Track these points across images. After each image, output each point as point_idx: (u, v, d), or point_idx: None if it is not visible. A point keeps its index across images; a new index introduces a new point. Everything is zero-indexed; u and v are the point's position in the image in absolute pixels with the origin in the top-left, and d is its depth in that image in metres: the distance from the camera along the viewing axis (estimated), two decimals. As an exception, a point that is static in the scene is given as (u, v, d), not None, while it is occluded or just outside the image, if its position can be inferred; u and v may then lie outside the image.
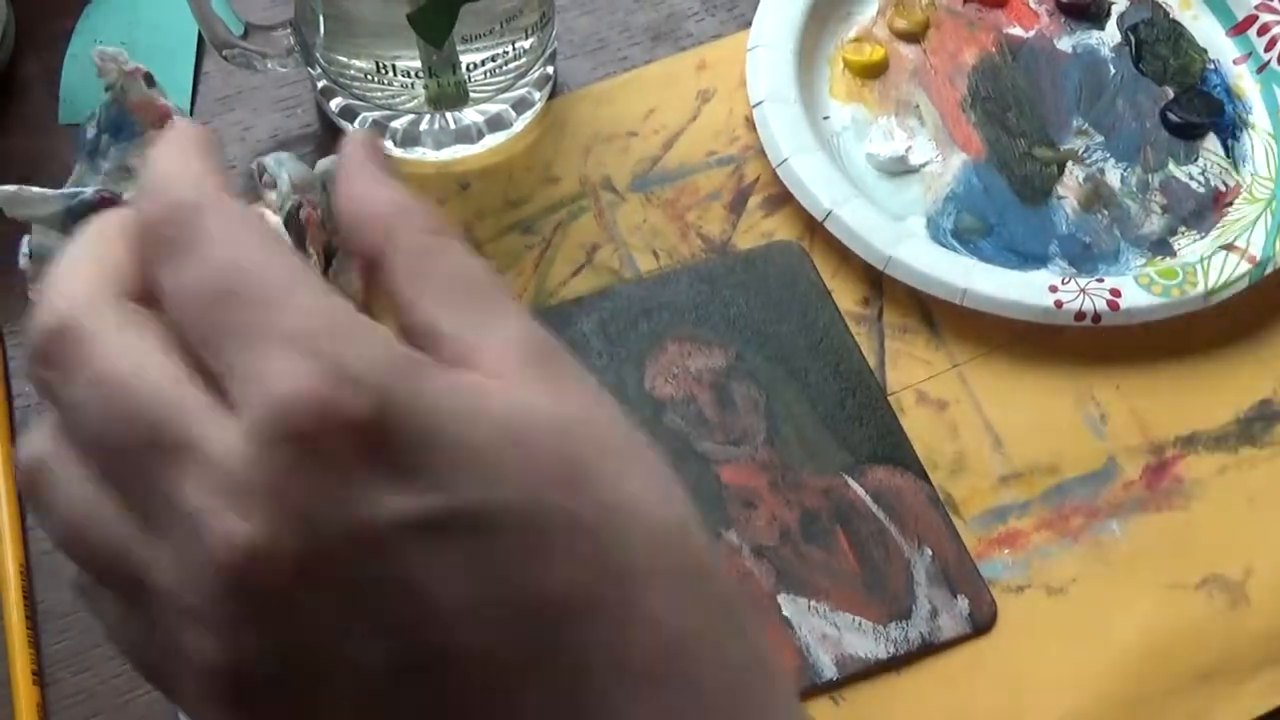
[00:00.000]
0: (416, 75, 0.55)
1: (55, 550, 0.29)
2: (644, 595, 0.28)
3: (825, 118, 0.60)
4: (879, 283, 0.56)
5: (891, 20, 0.63)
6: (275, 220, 0.52)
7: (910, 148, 0.59)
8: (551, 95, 0.60)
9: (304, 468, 0.25)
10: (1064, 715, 0.47)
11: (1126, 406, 0.54)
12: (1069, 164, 0.59)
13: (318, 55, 0.56)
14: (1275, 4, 0.62)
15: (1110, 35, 0.63)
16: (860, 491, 0.51)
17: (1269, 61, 0.61)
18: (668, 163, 0.59)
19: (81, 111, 0.55)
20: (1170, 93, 0.61)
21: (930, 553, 0.50)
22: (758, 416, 0.53)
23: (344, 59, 0.56)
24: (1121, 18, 0.63)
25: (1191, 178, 0.59)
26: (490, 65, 0.56)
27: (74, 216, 0.49)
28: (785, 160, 0.57)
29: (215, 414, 0.25)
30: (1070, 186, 0.59)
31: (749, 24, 0.62)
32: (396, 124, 0.58)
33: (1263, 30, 0.62)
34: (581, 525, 0.27)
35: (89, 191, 0.49)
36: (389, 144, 0.58)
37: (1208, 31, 0.63)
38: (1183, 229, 0.58)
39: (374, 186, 0.31)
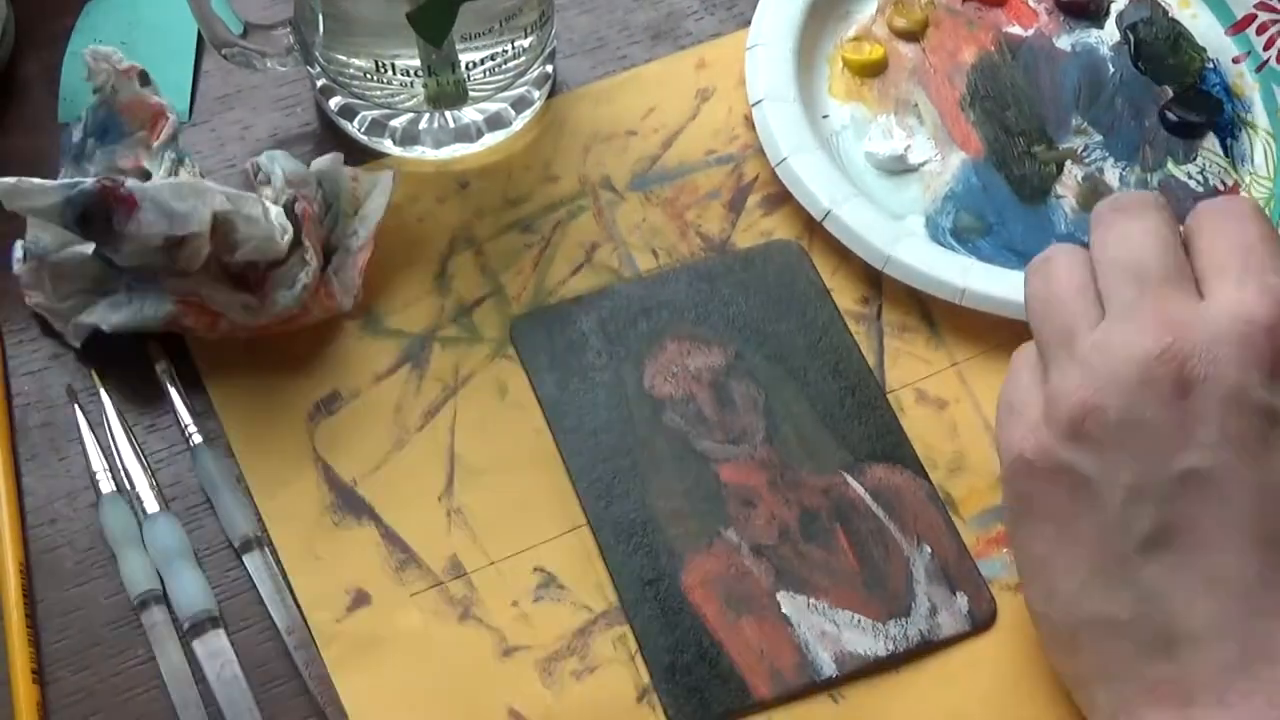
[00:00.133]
0: (416, 74, 0.55)
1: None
2: None
3: (824, 116, 0.60)
4: (878, 281, 0.56)
5: (891, 19, 0.63)
6: (276, 210, 0.52)
7: (909, 146, 0.59)
8: (551, 94, 0.60)
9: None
10: (1063, 713, 0.47)
11: (1126, 405, 0.54)
12: (1068, 163, 0.59)
13: (317, 54, 0.56)
14: (1274, 3, 0.62)
15: (1109, 34, 0.63)
16: (860, 490, 0.51)
17: (1268, 60, 0.61)
18: (667, 161, 0.59)
19: (81, 111, 0.55)
20: (1169, 91, 0.61)
21: (930, 551, 0.50)
22: (757, 415, 0.53)
23: (343, 58, 0.56)
24: (1120, 16, 0.63)
25: (1190, 177, 0.59)
26: (489, 64, 0.56)
27: (73, 207, 0.49)
28: (784, 159, 0.57)
29: (1187, 289, 0.43)
30: (1069, 185, 0.59)
31: (748, 23, 0.62)
32: (396, 123, 0.58)
33: (1261, 29, 0.62)
34: None
35: (89, 181, 0.49)
36: (388, 142, 0.58)
37: (1207, 30, 0.63)
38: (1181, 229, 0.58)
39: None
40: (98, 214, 0.49)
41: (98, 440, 0.52)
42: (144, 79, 0.54)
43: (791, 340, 0.55)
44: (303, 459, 0.52)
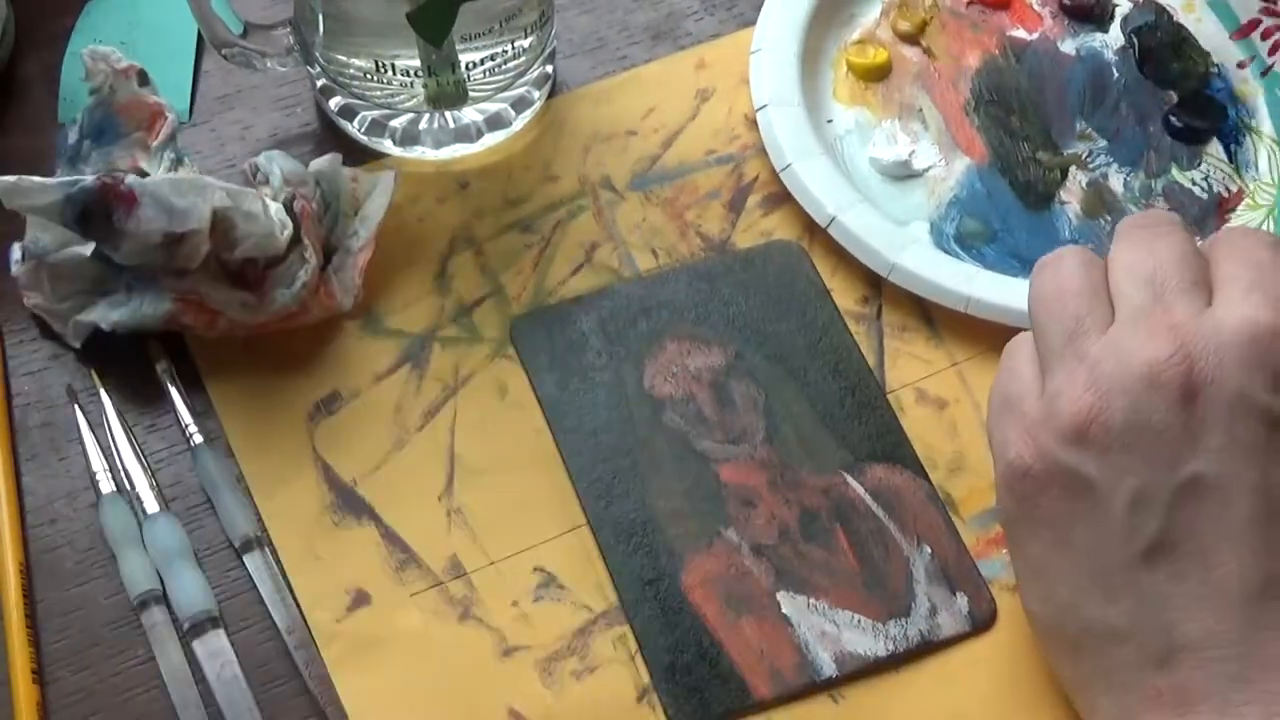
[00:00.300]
0: (416, 74, 0.55)
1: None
2: None
3: (829, 121, 0.60)
4: (878, 282, 0.56)
5: (894, 22, 0.62)
6: (276, 206, 0.52)
7: (914, 152, 0.59)
8: (551, 94, 0.60)
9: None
10: (1063, 714, 0.47)
11: (1126, 405, 0.54)
12: (1072, 169, 0.59)
13: (317, 54, 0.56)
14: (1279, 7, 0.62)
15: (1114, 38, 0.63)
16: (860, 490, 0.51)
17: (1272, 65, 0.61)
18: (667, 161, 0.59)
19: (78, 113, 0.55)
20: (1174, 97, 0.61)
21: (930, 551, 0.50)
22: (757, 415, 0.53)
23: (343, 58, 0.56)
24: (1125, 20, 0.63)
25: (1194, 183, 0.59)
26: (489, 64, 0.56)
27: (74, 204, 0.49)
28: (789, 165, 0.57)
29: (1201, 300, 0.43)
30: (1073, 192, 0.59)
31: (749, 23, 0.62)
32: (396, 123, 0.58)
33: (1266, 34, 0.62)
34: None
35: (89, 178, 0.49)
36: (388, 143, 0.58)
37: (1211, 35, 0.63)
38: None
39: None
40: (98, 211, 0.49)
41: (98, 440, 0.52)
42: (143, 79, 0.54)
43: (791, 340, 0.55)
44: (303, 459, 0.52)
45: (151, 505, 0.50)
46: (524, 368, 0.54)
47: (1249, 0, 0.62)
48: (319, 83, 0.58)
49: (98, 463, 0.51)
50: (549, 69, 0.59)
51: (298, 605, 0.49)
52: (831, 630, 0.49)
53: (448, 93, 0.56)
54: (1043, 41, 0.62)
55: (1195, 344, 0.41)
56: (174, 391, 0.52)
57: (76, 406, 0.52)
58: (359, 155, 0.58)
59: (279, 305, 0.51)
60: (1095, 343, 0.43)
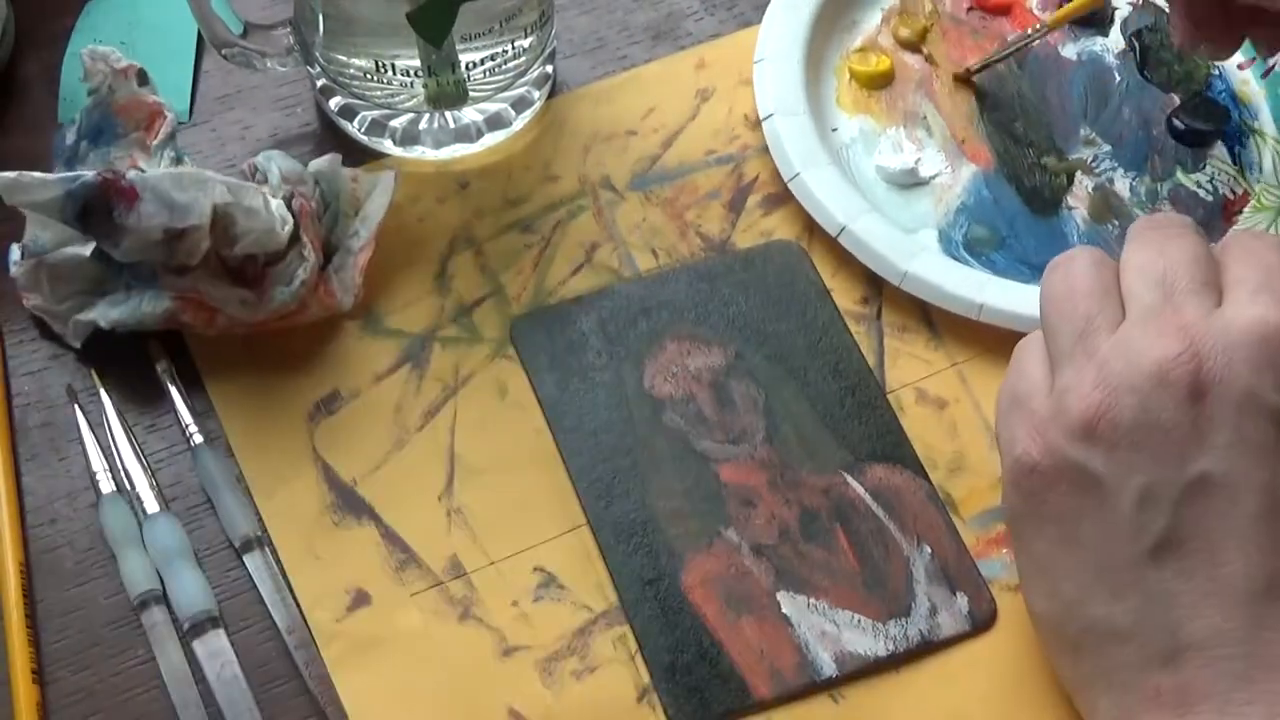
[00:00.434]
0: (416, 74, 0.55)
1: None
2: None
3: (834, 129, 0.60)
4: (878, 282, 0.56)
5: (895, 29, 0.62)
6: (276, 202, 0.52)
7: (920, 159, 0.59)
8: (551, 94, 0.60)
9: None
10: (1063, 714, 0.47)
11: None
12: (1078, 174, 0.59)
13: (317, 54, 0.56)
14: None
15: (1114, 42, 0.63)
16: (860, 490, 0.51)
17: (1273, 67, 0.61)
18: (667, 161, 0.59)
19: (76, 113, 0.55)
20: (1176, 99, 0.61)
21: (930, 551, 0.50)
22: (757, 415, 0.53)
23: (343, 58, 0.56)
24: (1125, 24, 0.63)
25: (1200, 186, 0.59)
26: (489, 64, 0.56)
27: (74, 200, 0.49)
28: (797, 175, 0.57)
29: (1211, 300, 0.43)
30: (1080, 197, 0.59)
31: (749, 23, 0.62)
32: (396, 123, 0.58)
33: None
34: None
35: (90, 174, 0.49)
36: (388, 143, 0.58)
37: (1212, 36, 0.63)
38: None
39: None
40: (99, 207, 0.49)
41: (98, 440, 0.52)
42: (142, 78, 0.54)
43: (791, 340, 0.55)
44: (303, 459, 0.52)
45: (151, 505, 0.50)
46: (524, 368, 0.54)
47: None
48: (319, 83, 0.58)
49: (98, 463, 0.51)
50: (549, 69, 0.59)
51: (298, 605, 0.49)
52: (831, 630, 0.49)
53: (448, 93, 0.56)
54: (1044, 47, 0.62)
55: (1204, 343, 0.41)
56: (174, 391, 0.52)
57: (76, 406, 0.52)
58: (359, 155, 0.58)
59: (278, 303, 0.51)
60: (1105, 341, 0.43)
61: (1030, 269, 0.56)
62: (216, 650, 0.48)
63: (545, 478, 0.52)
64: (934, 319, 0.56)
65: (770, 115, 0.58)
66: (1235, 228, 0.57)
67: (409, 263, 0.56)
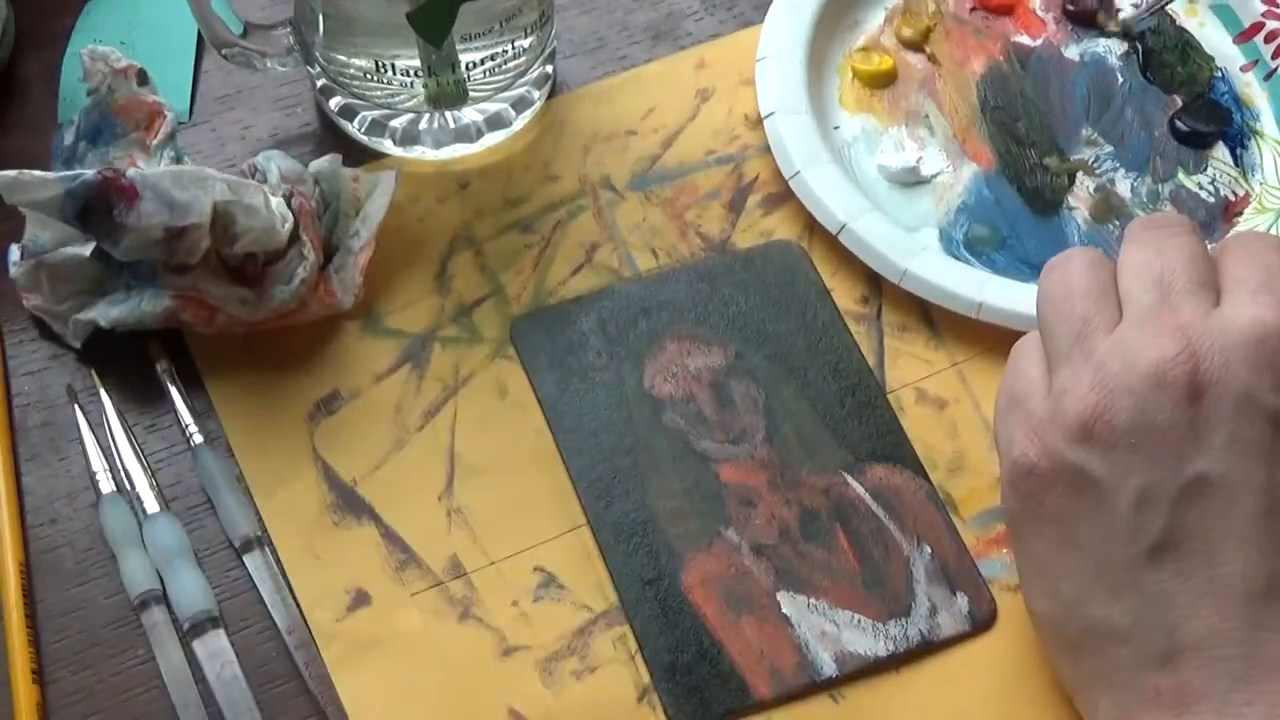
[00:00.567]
0: (416, 74, 0.55)
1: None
2: None
3: (835, 128, 0.60)
4: (878, 281, 0.56)
5: (898, 28, 0.62)
6: (277, 201, 0.52)
7: (921, 158, 0.59)
8: (551, 94, 0.60)
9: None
10: (1063, 714, 0.47)
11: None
12: (1079, 174, 0.59)
13: (317, 54, 0.56)
14: None
15: (1117, 43, 0.62)
16: (860, 490, 0.51)
17: (1276, 68, 0.61)
18: (667, 161, 0.59)
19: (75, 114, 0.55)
20: (1178, 101, 0.61)
21: (930, 551, 0.50)
22: (757, 415, 0.53)
23: (343, 58, 0.56)
24: (1128, 25, 0.63)
25: (1201, 187, 0.59)
26: (489, 64, 0.56)
27: (75, 198, 0.49)
28: (798, 173, 0.57)
29: (1208, 301, 0.43)
30: (1081, 197, 0.58)
31: (749, 23, 0.62)
32: (396, 123, 0.58)
33: (1270, 37, 0.62)
34: None
35: (90, 172, 0.49)
36: (388, 143, 0.58)
37: (1215, 39, 0.62)
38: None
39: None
40: (98, 206, 0.49)
41: (98, 440, 0.52)
42: (142, 78, 0.54)
43: (791, 340, 0.55)
44: (303, 459, 0.52)
45: (151, 505, 0.50)
46: (524, 368, 0.54)
47: (1252, 3, 0.62)
48: (319, 83, 0.58)
49: (98, 463, 0.51)
50: (549, 69, 0.59)
51: (298, 605, 0.49)
52: (831, 630, 0.49)
53: (448, 93, 0.56)
54: (1046, 47, 0.62)
55: (1202, 343, 0.41)
56: (174, 391, 0.52)
57: (76, 406, 0.52)
58: (359, 155, 0.58)
59: (278, 302, 0.51)
60: (1102, 342, 0.43)
61: (1031, 269, 0.56)
62: (216, 650, 0.48)
63: (545, 478, 0.52)
64: (934, 319, 0.56)
65: (772, 113, 0.58)
66: (1236, 229, 0.57)
67: (409, 263, 0.56)
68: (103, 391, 0.53)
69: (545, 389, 0.53)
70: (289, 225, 0.51)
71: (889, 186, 0.59)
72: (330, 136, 0.59)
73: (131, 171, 0.49)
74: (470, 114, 0.58)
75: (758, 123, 0.59)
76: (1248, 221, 0.58)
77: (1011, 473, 0.44)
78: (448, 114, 0.57)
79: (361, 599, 0.49)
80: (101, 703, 0.47)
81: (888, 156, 0.59)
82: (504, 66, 0.56)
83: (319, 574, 0.50)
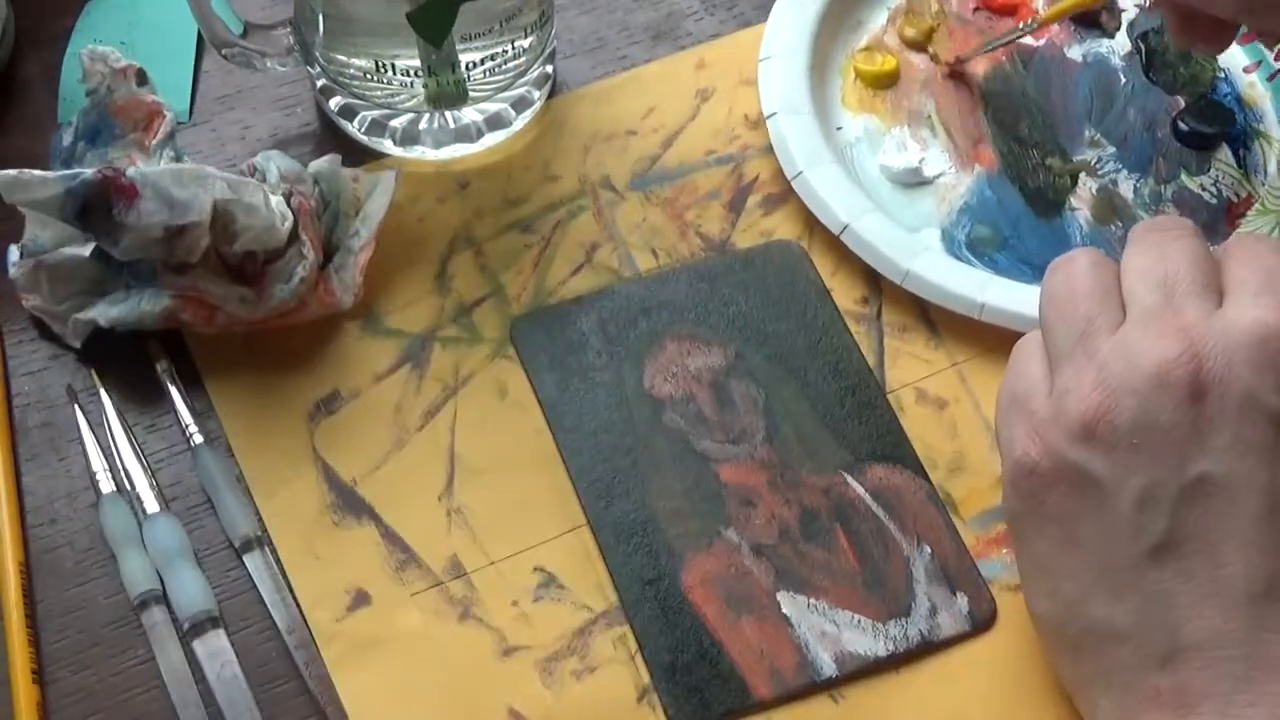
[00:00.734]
0: (416, 74, 0.55)
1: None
2: None
3: (838, 128, 0.60)
4: (878, 282, 0.56)
5: (901, 29, 0.62)
6: (277, 199, 0.52)
7: (924, 159, 0.59)
8: (551, 94, 0.60)
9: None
10: (1063, 714, 0.47)
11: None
12: (1082, 175, 0.59)
13: (317, 54, 0.56)
14: None
15: (1120, 44, 0.62)
16: (860, 490, 0.51)
17: (1279, 70, 0.61)
18: (667, 161, 0.59)
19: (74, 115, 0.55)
20: (1181, 102, 0.61)
21: (930, 551, 0.50)
22: (757, 415, 0.53)
23: (343, 58, 0.56)
24: (1131, 26, 0.63)
25: (1204, 189, 0.59)
26: (489, 64, 0.56)
27: (75, 197, 0.49)
28: (800, 173, 0.57)
29: (1211, 302, 0.43)
30: (1084, 198, 0.58)
31: (749, 23, 0.62)
32: (396, 123, 0.58)
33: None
34: None
35: (90, 171, 0.49)
36: (388, 143, 0.58)
37: (1217, 39, 0.63)
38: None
39: None
40: (98, 204, 0.49)
41: (98, 440, 0.52)
42: (141, 78, 0.54)
43: (791, 340, 0.55)
44: (303, 459, 0.52)
45: (151, 505, 0.50)
46: (524, 368, 0.54)
47: (1254, 3, 0.62)
48: (319, 83, 0.58)
49: (98, 463, 0.51)
50: (549, 69, 0.59)
51: (298, 605, 0.49)
52: (831, 630, 0.49)
53: (448, 93, 0.56)
54: (1049, 48, 0.62)
55: (1204, 344, 0.41)
56: (174, 391, 0.52)
57: (76, 406, 0.52)
58: (359, 155, 0.58)
59: (277, 301, 0.51)
60: (1105, 342, 0.43)
61: (1033, 269, 0.56)
62: (216, 650, 0.48)
63: (545, 478, 0.52)
64: (934, 319, 0.56)
65: (774, 113, 0.58)
66: (1238, 231, 0.57)
67: (409, 263, 0.56)
68: (103, 391, 0.53)
69: (545, 389, 0.53)
70: (289, 224, 0.51)
71: (891, 187, 0.59)
72: (330, 136, 0.59)
73: (131, 170, 0.49)
74: (470, 114, 0.58)
75: (758, 123, 0.59)
76: (1249, 223, 0.58)
77: (1013, 472, 0.44)
78: (448, 114, 0.57)
79: (361, 599, 0.49)
80: (101, 703, 0.47)
81: (890, 157, 0.59)
82: (504, 66, 0.56)
83: (319, 574, 0.50)
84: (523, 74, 0.57)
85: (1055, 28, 0.63)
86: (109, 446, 0.52)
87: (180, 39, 0.61)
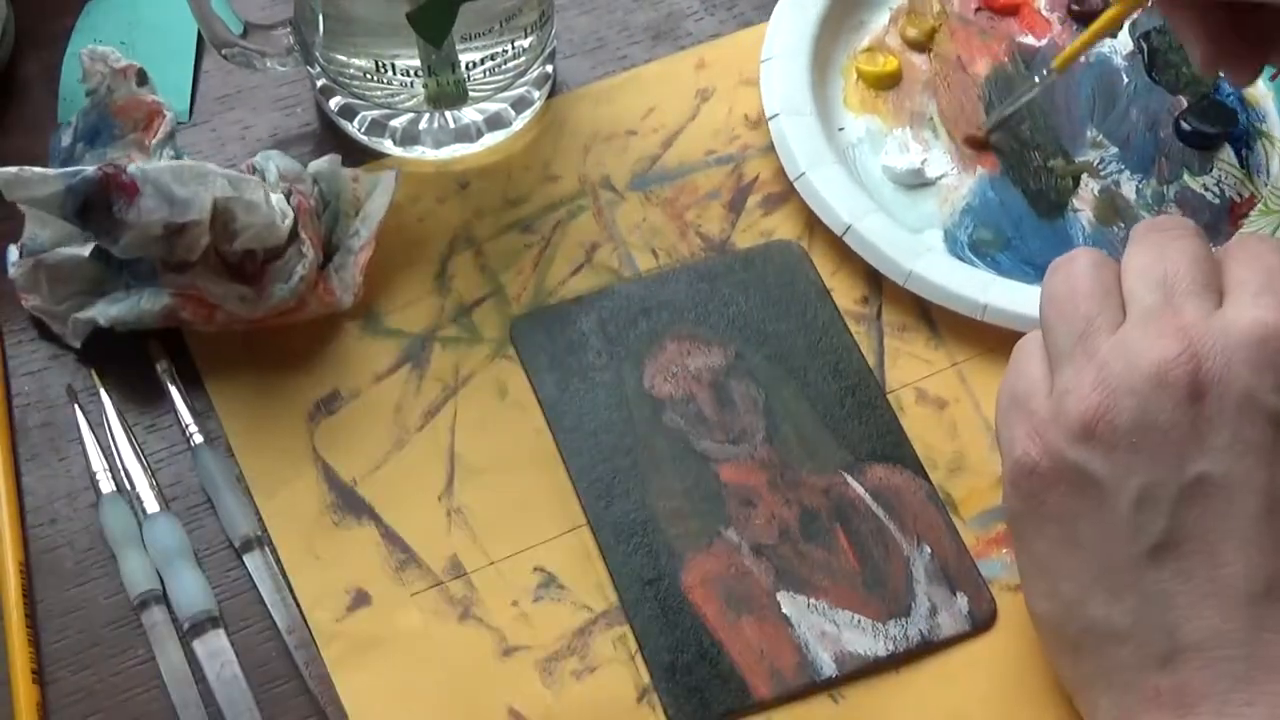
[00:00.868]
0: (416, 74, 0.55)
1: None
2: None
3: (840, 129, 0.60)
4: (878, 282, 0.56)
5: (903, 29, 0.62)
6: (277, 197, 0.52)
7: (926, 160, 0.59)
8: (551, 94, 0.60)
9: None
10: (1063, 714, 0.47)
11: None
12: (1084, 176, 0.59)
13: (317, 54, 0.56)
14: None
15: (1123, 44, 0.62)
16: (860, 490, 0.51)
17: None
18: (667, 161, 0.59)
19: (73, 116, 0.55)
20: (1184, 101, 0.61)
21: (930, 551, 0.50)
22: (757, 415, 0.53)
23: (343, 58, 0.56)
24: (1134, 25, 0.63)
25: (1206, 189, 0.59)
26: (489, 64, 0.56)
27: (75, 195, 0.49)
28: (803, 174, 0.57)
29: (1211, 302, 0.43)
30: (1086, 199, 0.58)
31: (749, 23, 0.62)
32: (396, 123, 0.58)
33: None
34: None
35: (90, 169, 0.49)
36: (388, 143, 0.58)
37: (1221, 40, 0.62)
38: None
39: None
40: (98, 202, 0.49)
41: (98, 440, 0.52)
42: (141, 78, 0.54)
43: (791, 340, 0.55)
44: (303, 459, 0.52)
45: (151, 505, 0.50)
46: (524, 368, 0.54)
47: (1257, 4, 0.62)
48: (319, 83, 0.58)
49: (98, 463, 0.51)
50: (549, 69, 0.59)
51: (298, 605, 0.49)
52: (831, 630, 0.49)
53: (448, 93, 0.56)
54: (1052, 48, 0.62)
55: (1204, 344, 0.41)
56: (174, 391, 0.52)
57: (76, 406, 0.52)
58: (359, 155, 0.58)
59: (277, 299, 0.51)
60: (1105, 342, 0.43)
61: (1035, 270, 0.56)
62: (216, 650, 0.48)
63: (545, 478, 0.52)
64: (934, 319, 0.56)
65: (776, 114, 0.58)
66: (1241, 231, 0.57)
67: (409, 262, 0.56)
68: (103, 391, 0.53)
69: (545, 389, 0.53)
70: (289, 221, 0.51)
71: (894, 188, 0.58)
72: (330, 136, 0.59)
73: (132, 168, 0.49)
74: (470, 114, 0.58)
75: (758, 123, 0.59)
76: (1252, 223, 0.57)
77: (1013, 472, 0.44)
78: (448, 114, 0.57)
79: (361, 599, 0.49)
80: (101, 703, 0.47)
81: (892, 158, 0.59)
82: (504, 66, 0.56)
83: (319, 574, 0.50)
84: (523, 74, 0.57)
85: (1058, 28, 0.63)
86: (109, 446, 0.52)
87: (180, 39, 0.61)
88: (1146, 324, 0.43)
